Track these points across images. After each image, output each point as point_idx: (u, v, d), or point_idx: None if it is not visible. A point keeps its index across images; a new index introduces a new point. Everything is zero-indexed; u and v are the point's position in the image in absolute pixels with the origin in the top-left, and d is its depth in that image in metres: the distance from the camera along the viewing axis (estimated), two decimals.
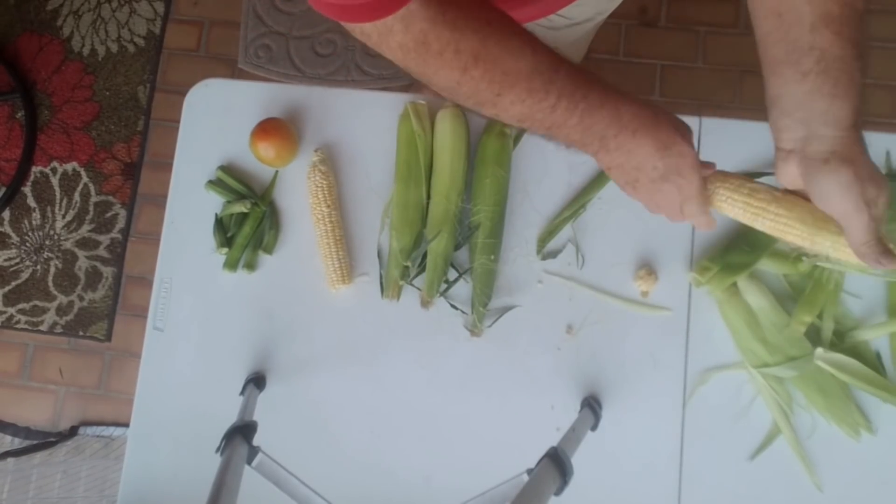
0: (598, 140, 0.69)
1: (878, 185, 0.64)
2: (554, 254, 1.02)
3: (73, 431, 1.90)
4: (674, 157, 0.69)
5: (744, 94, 2.01)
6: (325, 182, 1.02)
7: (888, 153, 1.02)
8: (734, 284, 0.97)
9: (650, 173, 0.70)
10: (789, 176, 0.69)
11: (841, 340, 0.96)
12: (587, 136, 0.68)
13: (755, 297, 0.96)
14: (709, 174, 0.73)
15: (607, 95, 0.67)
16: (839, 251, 0.69)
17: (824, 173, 0.64)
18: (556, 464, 0.70)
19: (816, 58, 0.61)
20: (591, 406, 0.94)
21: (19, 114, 2.10)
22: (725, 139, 1.03)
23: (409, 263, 1.00)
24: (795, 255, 0.97)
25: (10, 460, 1.58)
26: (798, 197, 0.71)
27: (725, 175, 0.74)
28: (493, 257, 0.99)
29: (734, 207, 0.73)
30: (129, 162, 2.07)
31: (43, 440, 1.73)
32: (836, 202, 0.65)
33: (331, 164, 1.05)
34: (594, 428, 0.92)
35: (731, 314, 0.97)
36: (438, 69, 0.61)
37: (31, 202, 2.07)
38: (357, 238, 1.04)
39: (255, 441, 0.78)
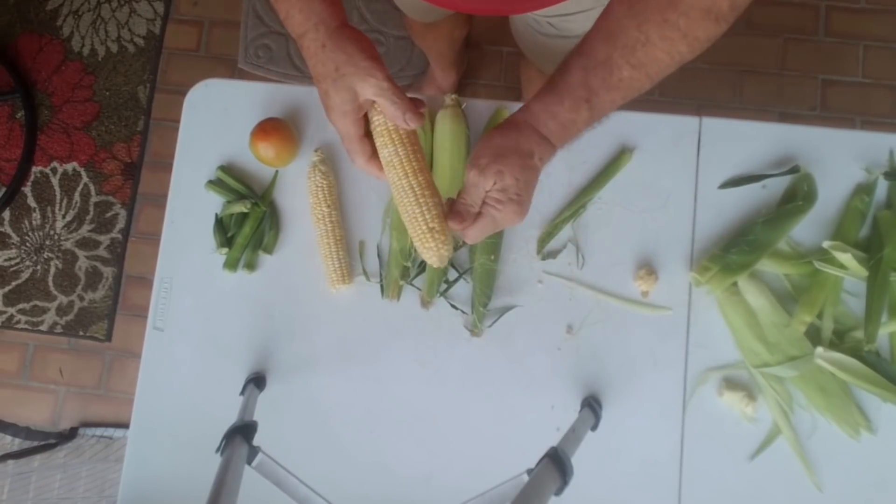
0: (314, 19, 0.71)
1: (501, 168, 0.69)
2: (554, 254, 1.02)
3: (72, 433, 1.90)
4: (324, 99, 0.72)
5: (743, 94, 2.01)
6: (325, 182, 1.02)
7: (892, 152, 1.02)
8: (734, 284, 0.97)
9: (337, 65, 0.71)
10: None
11: (841, 340, 0.96)
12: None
13: (755, 297, 0.96)
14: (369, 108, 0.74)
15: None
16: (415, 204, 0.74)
17: (488, 134, 0.72)
18: (557, 464, 0.70)
19: (560, 72, 0.70)
20: (592, 406, 0.94)
21: (19, 114, 2.10)
22: (725, 139, 1.03)
23: (409, 263, 1.00)
24: (796, 256, 0.98)
25: (10, 462, 1.58)
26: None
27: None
28: (493, 257, 0.99)
29: (378, 136, 0.75)
30: (130, 162, 2.08)
31: (43, 441, 1.73)
32: (475, 152, 0.72)
33: (331, 164, 1.05)
34: (594, 428, 0.92)
35: (732, 314, 0.97)
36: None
37: (32, 202, 2.07)
38: (357, 238, 1.04)
39: (256, 441, 0.78)
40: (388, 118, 0.72)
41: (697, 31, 0.63)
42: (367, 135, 0.75)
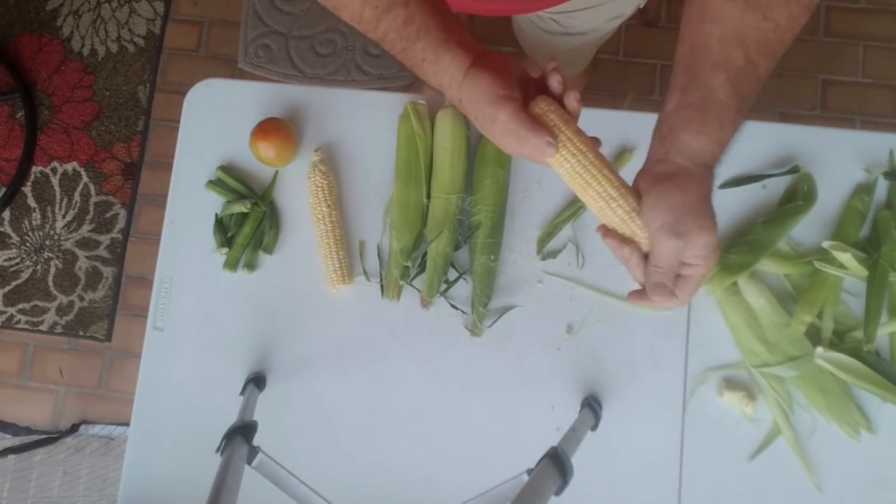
0: (447, 76, 0.67)
1: (700, 226, 0.64)
2: (554, 254, 1.02)
3: (73, 429, 1.90)
4: (469, 99, 0.67)
5: None
6: (325, 182, 1.02)
7: (892, 152, 1.02)
8: (734, 284, 0.97)
9: (477, 115, 0.68)
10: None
11: (841, 340, 0.96)
12: (435, 68, 0.67)
13: (755, 297, 0.96)
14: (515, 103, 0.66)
15: (441, 41, 0.66)
16: (627, 226, 0.68)
17: (658, 188, 0.66)
18: (557, 464, 0.70)
19: (703, 94, 0.63)
20: (592, 406, 0.94)
21: (19, 114, 2.10)
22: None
23: (409, 263, 1.00)
24: (796, 255, 0.97)
25: (11, 458, 1.58)
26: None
27: (550, 102, 0.67)
28: (493, 257, 0.99)
29: (560, 142, 0.67)
30: (130, 162, 2.08)
31: (44, 436, 1.73)
32: (655, 216, 0.66)
33: (331, 164, 1.05)
34: (594, 428, 0.92)
35: (732, 313, 0.97)
36: None
37: (32, 202, 2.07)
38: (357, 238, 1.04)
39: (256, 441, 0.78)
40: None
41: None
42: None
